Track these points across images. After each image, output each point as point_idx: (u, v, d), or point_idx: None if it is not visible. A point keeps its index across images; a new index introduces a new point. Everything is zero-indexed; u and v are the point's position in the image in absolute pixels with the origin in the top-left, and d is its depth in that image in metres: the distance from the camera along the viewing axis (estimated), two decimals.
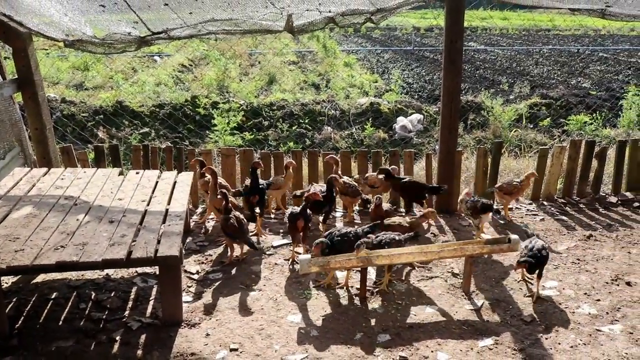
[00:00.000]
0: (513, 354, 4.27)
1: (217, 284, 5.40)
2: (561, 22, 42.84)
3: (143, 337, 4.51)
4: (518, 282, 5.40)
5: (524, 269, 4.98)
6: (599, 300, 5.05)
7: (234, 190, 6.69)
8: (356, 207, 7.20)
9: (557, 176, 7.68)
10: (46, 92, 7.24)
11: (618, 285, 5.32)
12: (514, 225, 6.78)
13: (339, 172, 6.76)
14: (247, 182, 6.52)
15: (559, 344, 4.39)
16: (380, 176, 6.82)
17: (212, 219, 6.89)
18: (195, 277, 5.54)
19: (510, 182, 6.91)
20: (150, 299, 5.12)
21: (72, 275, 5.48)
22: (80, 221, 4.90)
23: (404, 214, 6.74)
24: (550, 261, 5.80)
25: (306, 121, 12.49)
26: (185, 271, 5.63)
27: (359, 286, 5.15)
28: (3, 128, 6.49)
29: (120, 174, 6.47)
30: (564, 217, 7.09)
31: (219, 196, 5.97)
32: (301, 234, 5.71)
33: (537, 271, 4.95)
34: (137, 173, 6.44)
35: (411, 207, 6.91)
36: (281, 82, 17.76)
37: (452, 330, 4.61)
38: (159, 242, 4.54)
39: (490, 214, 6.08)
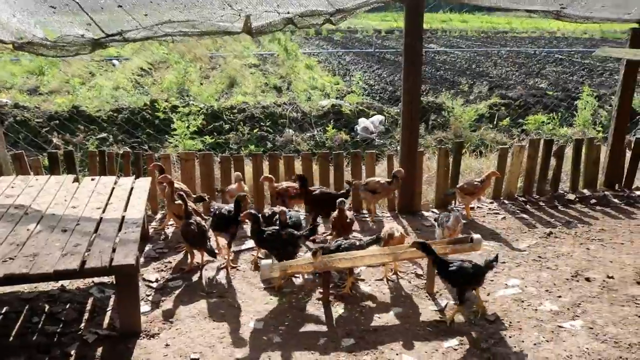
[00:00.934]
0: (478, 353, 4.26)
1: (177, 291, 5.26)
2: (518, 24, 43.80)
3: (100, 350, 4.34)
4: None
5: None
6: (560, 296, 5.10)
7: (194, 195, 6.54)
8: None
9: (517, 175, 7.77)
10: None
11: (578, 281, 5.39)
12: (476, 225, 6.81)
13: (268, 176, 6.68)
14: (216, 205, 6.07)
15: (523, 341, 4.41)
16: (295, 184, 6.53)
17: (172, 224, 6.73)
18: (154, 285, 5.38)
19: (471, 182, 6.95)
20: (108, 309, 4.95)
21: (24, 288, 5.25)
22: (31, 231, 4.69)
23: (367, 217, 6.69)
24: (512, 259, 5.85)
25: (267, 124, 12.36)
26: (144, 279, 5.47)
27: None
28: None
29: (75, 180, 6.26)
30: (524, 215, 7.16)
31: (177, 201, 5.83)
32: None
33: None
34: (92, 180, 6.23)
35: (316, 219, 6.35)
36: (242, 85, 17.59)
37: (416, 332, 4.58)
38: (114, 250, 4.38)
39: None
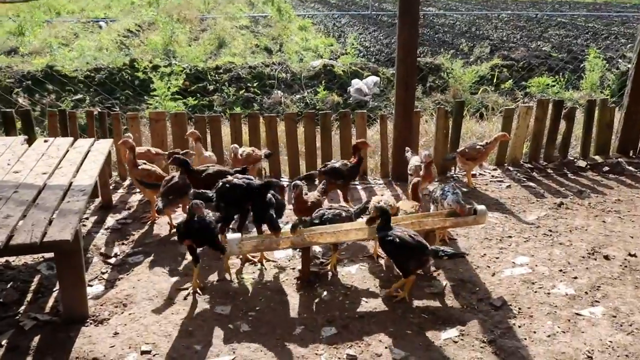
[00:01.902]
0: (481, 347, 3.60)
1: (136, 268, 4.60)
2: None
3: (36, 339, 3.69)
4: (482, 257, 4.73)
5: None
6: (576, 278, 4.41)
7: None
8: None
9: (523, 139, 7.05)
10: None
11: (595, 259, 4.70)
12: (478, 194, 6.13)
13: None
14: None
15: (534, 332, 3.74)
16: (171, 165, 5.38)
17: (138, 192, 6.04)
18: (112, 261, 4.72)
19: (473, 145, 6.23)
20: (55, 289, 4.28)
21: None
22: None
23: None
24: (519, 233, 5.17)
25: (255, 85, 11.56)
26: (102, 254, 4.81)
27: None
28: None
29: (27, 142, 5.54)
30: (531, 184, 6.46)
31: (141, 166, 5.14)
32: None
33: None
34: (45, 141, 5.51)
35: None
36: (231, 45, 16.67)
37: (409, 319, 3.90)
38: (50, 223, 3.68)
39: None
